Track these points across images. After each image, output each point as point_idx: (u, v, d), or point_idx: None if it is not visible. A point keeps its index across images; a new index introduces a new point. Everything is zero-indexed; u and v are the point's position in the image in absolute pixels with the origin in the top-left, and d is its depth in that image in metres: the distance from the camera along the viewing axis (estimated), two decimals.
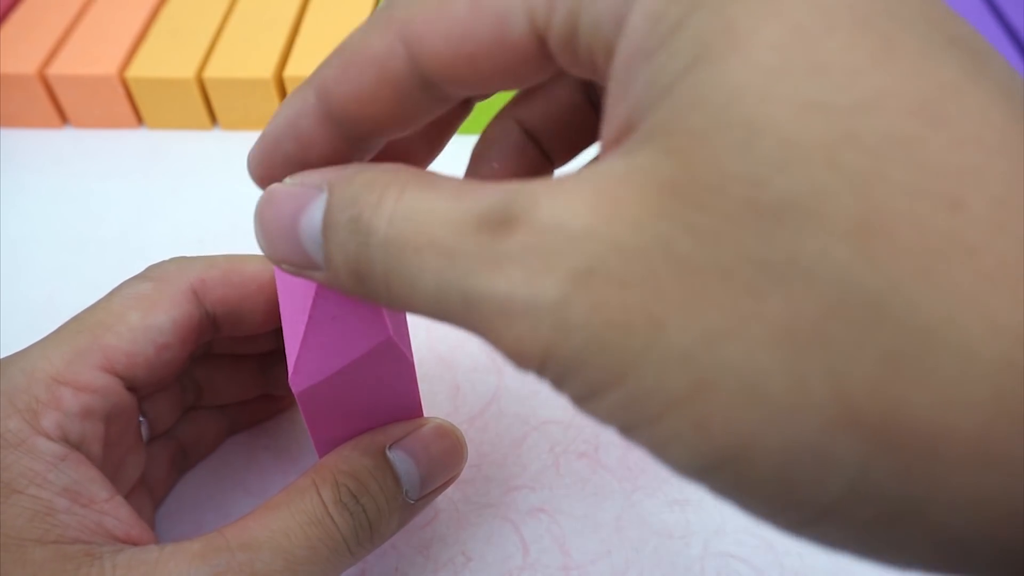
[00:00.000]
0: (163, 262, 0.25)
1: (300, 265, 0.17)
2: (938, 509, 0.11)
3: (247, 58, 0.42)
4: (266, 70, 0.41)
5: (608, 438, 0.30)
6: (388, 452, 0.23)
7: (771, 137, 0.12)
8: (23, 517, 0.20)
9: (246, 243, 0.36)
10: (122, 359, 0.22)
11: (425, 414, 0.26)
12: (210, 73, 0.42)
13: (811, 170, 0.12)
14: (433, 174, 0.15)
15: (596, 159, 0.17)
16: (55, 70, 0.42)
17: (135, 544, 0.21)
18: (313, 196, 0.16)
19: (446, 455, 0.25)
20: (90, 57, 0.42)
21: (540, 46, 0.16)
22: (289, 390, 0.29)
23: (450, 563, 0.27)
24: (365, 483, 0.23)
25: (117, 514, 0.21)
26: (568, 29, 0.15)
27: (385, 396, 0.24)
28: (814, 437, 0.12)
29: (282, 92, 0.43)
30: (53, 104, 0.43)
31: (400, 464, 0.23)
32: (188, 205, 0.40)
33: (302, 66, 0.42)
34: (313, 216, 0.16)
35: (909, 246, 0.11)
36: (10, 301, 0.35)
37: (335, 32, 0.44)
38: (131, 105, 0.43)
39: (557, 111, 0.21)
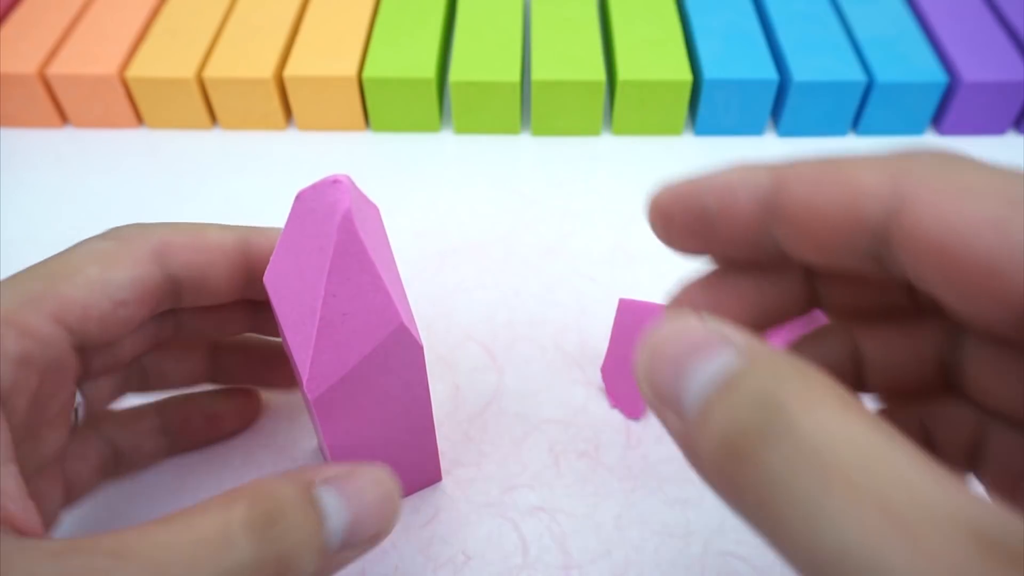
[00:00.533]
0: (126, 225, 0.24)
1: (659, 396, 0.16)
2: None
3: (247, 58, 0.42)
4: (266, 70, 0.41)
5: (608, 437, 0.30)
6: (317, 487, 0.20)
7: None
8: None
9: None
10: (76, 311, 0.21)
11: None
12: (210, 73, 0.42)
13: None
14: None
15: None
16: (55, 70, 0.42)
17: (8, 521, 0.19)
18: (725, 348, 0.15)
19: (380, 505, 0.21)
20: (90, 57, 0.42)
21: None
22: (233, 396, 0.29)
23: (450, 562, 0.27)
24: (286, 511, 0.19)
25: (6, 479, 0.19)
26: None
27: (397, 387, 0.24)
28: None
29: (282, 92, 0.43)
30: (53, 104, 0.43)
31: (328, 500, 0.20)
32: (188, 205, 0.40)
33: (302, 66, 0.42)
34: (714, 367, 0.15)
35: None
36: None
37: (335, 32, 0.44)
38: (131, 105, 0.43)
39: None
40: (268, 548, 0.19)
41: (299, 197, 0.22)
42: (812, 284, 0.20)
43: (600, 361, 0.32)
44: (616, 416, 0.31)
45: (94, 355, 0.23)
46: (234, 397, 0.29)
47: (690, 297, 0.20)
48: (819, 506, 0.12)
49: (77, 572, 0.17)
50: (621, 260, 0.37)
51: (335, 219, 0.20)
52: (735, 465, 0.14)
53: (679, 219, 0.19)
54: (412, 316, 0.24)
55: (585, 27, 0.44)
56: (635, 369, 0.17)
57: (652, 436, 0.30)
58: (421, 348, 0.23)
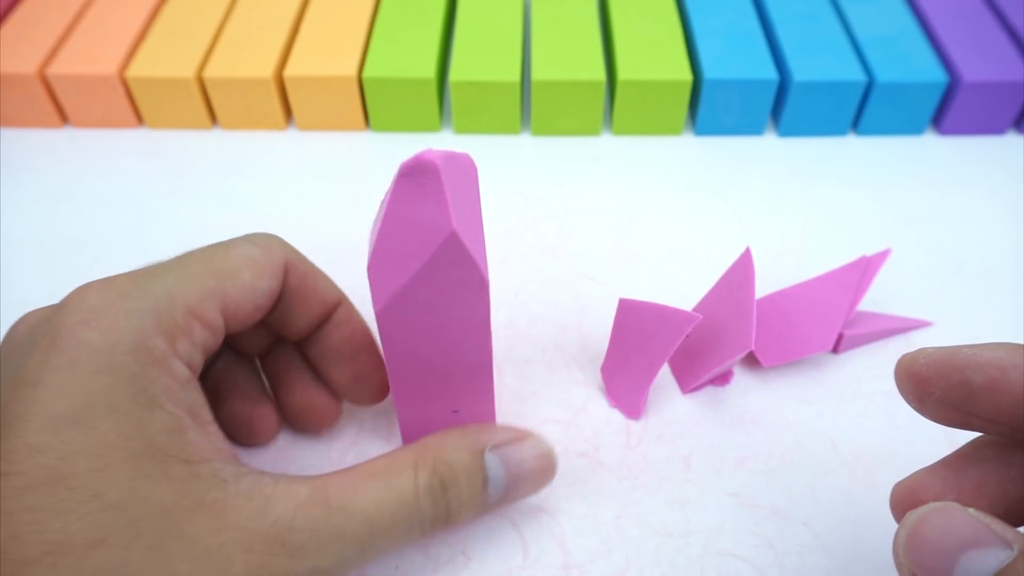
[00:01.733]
0: (265, 234, 0.27)
1: None
2: None
3: (247, 58, 0.42)
4: (266, 70, 0.41)
5: (608, 437, 0.30)
6: (487, 454, 0.25)
7: None
8: (164, 432, 0.21)
9: None
10: (231, 308, 0.25)
11: None
12: (210, 73, 0.42)
13: None
14: None
15: None
16: (55, 70, 0.42)
17: (233, 461, 0.23)
18: (995, 543, 0.17)
19: (536, 475, 0.26)
20: (90, 57, 0.42)
21: None
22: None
23: (450, 562, 0.27)
24: (458, 477, 0.24)
25: (218, 436, 0.23)
26: None
27: (457, 321, 0.24)
28: None
29: (282, 92, 0.43)
30: (53, 104, 0.43)
31: (493, 468, 0.25)
32: (188, 205, 0.40)
33: (302, 66, 0.42)
34: (985, 562, 0.17)
35: None
36: (10, 301, 0.35)
37: (335, 32, 0.44)
38: (131, 105, 0.43)
39: None
40: (442, 507, 0.24)
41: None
42: None
43: (600, 361, 0.32)
44: (616, 416, 0.31)
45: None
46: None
47: (925, 483, 0.21)
48: None
49: (321, 526, 0.22)
50: (621, 260, 0.37)
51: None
52: None
53: (938, 390, 0.20)
54: (485, 257, 0.24)
55: (585, 27, 0.44)
56: (896, 552, 0.18)
57: (652, 436, 0.30)
58: (486, 282, 0.23)
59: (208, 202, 0.40)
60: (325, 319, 0.28)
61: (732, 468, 0.30)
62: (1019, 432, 0.19)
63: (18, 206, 0.40)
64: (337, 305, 0.28)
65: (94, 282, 0.23)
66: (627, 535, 0.28)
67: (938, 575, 0.17)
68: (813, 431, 0.31)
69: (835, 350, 0.33)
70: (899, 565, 0.18)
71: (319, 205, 0.39)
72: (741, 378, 0.32)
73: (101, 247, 0.38)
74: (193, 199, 0.40)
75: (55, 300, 0.35)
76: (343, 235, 0.38)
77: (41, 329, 0.22)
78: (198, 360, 0.24)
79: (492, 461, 0.25)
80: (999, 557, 0.16)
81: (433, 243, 0.22)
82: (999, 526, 0.17)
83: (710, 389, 0.32)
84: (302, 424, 0.30)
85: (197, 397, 0.23)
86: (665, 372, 0.32)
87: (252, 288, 0.25)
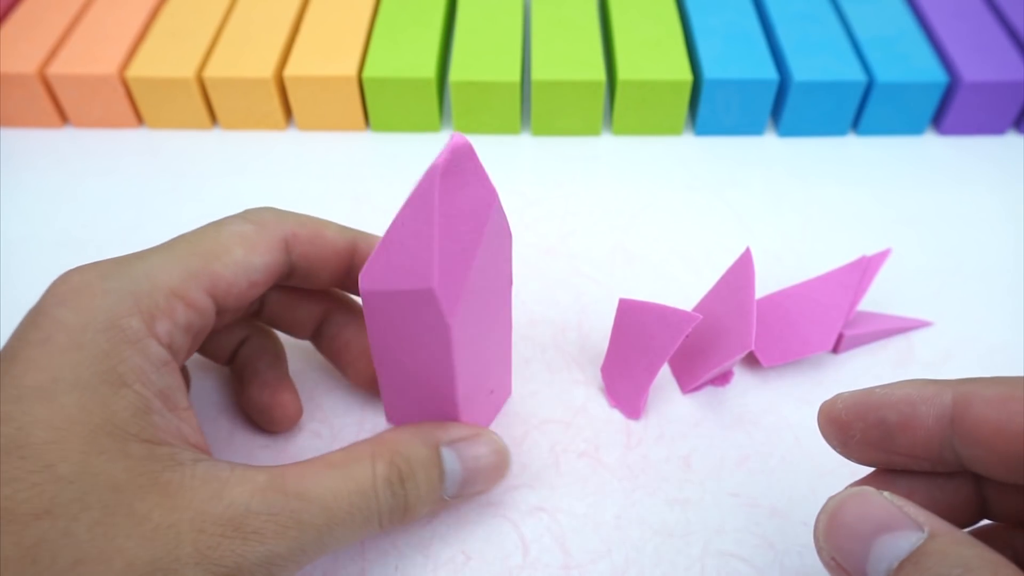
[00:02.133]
0: (261, 208, 0.27)
1: (846, 569, 0.18)
2: None
3: (247, 58, 0.42)
4: (266, 70, 0.41)
5: (608, 437, 0.30)
6: (443, 448, 0.25)
7: None
8: (128, 411, 0.21)
9: None
10: (222, 287, 0.25)
11: None
12: (210, 73, 0.42)
13: None
14: None
15: None
16: (55, 70, 0.42)
17: (201, 450, 0.23)
18: (908, 526, 0.17)
19: (491, 470, 0.27)
20: (90, 57, 0.42)
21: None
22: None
23: (450, 562, 0.27)
24: (415, 470, 0.25)
25: (190, 422, 0.23)
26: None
27: (424, 352, 0.24)
28: None
29: (282, 92, 0.43)
30: (53, 104, 0.43)
31: (449, 463, 0.25)
32: (188, 205, 0.40)
33: (302, 66, 0.42)
34: (898, 544, 0.17)
35: None
36: (10, 301, 0.35)
37: (335, 32, 0.44)
38: (131, 105, 0.43)
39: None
40: (400, 499, 0.24)
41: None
42: (982, 489, 0.21)
43: (600, 361, 0.32)
44: (616, 416, 0.31)
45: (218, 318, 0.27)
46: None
47: None
48: None
49: (278, 511, 0.22)
50: (621, 260, 0.37)
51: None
52: None
53: (858, 432, 0.20)
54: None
55: (585, 27, 0.44)
56: (816, 535, 0.19)
57: (652, 436, 0.30)
58: (448, 328, 0.23)
59: (208, 202, 0.40)
60: (350, 260, 0.28)
61: (732, 468, 0.30)
62: (938, 464, 0.20)
63: (18, 206, 0.40)
64: (354, 245, 0.28)
65: (83, 265, 0.24)
66: (627, 535, 0.28)
67: (855, 559, 0.18)
68: (813, 431, 0.31)
69: (835, 350, 0.33)
70: (819, 550, 0.19)
71: (319, 205, 0.39)
72: (741, 378, 0.32)
73: (101, 247, 0.38)
74: (193, 199, 0.40)
75: None
76: None
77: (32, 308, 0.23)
78: (182, 341, 0.24)
79: (448, 456, 0.25)
80: (911, 540, 0.17)
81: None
82: (912, 509, 0.18)
83: (710, 389, 0.32)
84: (264, 421, 0.30)
85: (172, 381, 0.23)
86: (665, 372, 0.32)
87: (244, 265, 0.25)
